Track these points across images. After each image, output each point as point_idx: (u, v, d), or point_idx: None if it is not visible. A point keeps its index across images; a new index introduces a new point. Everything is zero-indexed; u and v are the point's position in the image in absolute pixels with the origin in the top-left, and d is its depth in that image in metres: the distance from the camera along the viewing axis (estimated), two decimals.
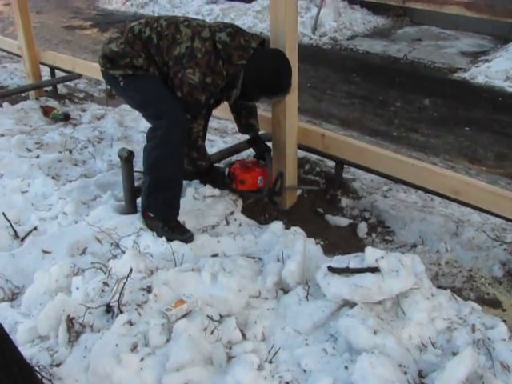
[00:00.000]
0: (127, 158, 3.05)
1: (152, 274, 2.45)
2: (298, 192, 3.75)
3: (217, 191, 3.33)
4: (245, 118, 3.41)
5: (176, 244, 2.86)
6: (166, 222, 2.96)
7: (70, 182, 3.72)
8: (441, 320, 2.34)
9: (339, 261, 2.50)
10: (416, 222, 3.49)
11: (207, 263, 2.56)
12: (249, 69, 2.89)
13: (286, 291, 2.59)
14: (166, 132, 2.82)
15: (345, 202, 3.74)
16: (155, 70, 2.91)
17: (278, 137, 3.44)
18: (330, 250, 3.33)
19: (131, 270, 2.33)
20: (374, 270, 2.36)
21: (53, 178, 3.80)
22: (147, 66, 2.90)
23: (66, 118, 4.98)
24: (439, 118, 5.90)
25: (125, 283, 2.28)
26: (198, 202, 3.25)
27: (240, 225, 3.20)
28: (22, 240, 3.00)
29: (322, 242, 3.39)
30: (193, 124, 2.95)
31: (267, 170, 3.36)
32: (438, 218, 3.49)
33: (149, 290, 2.35)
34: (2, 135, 4.37)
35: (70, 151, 4.26)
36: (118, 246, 2.93)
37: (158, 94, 2.90)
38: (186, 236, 2.92)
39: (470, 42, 8.53)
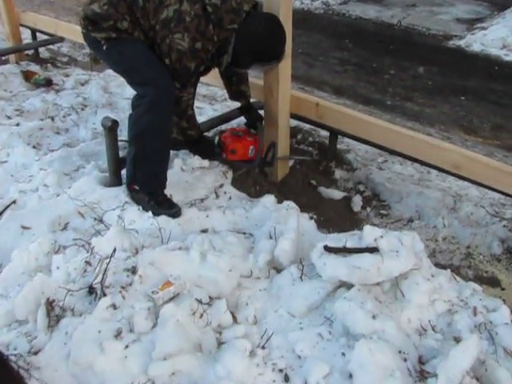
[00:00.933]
0: (111, 128, 2.87)
1: (137, 252, 2.31)
2: (290, 162, 3.61)
3: (206, 162, 3.17)
4: (235, 85, 3.24)
5: (163, 219, 2.72)
6: (152, 195, 2.81)
7: (52, 151, 3.54)
8: (441, 302, 2.23)
9: (335, 239, 2.38)
10: (412, 195, 3.37)
11: (196, 240, 2.42)
12: (240, 34, 2.71)
13: (278, 270, 2.47)
14: (153, 100, 2.65)
15: (339, 173, 3.61)
16: (140, 34, 2.72)
17: (270, 105, 3.28)
18: (323, 224, 3.21)
19: (115, 250, 2.18)
20: (373, 250, 2.24)
21: (34, 147, 3.61)
22: (132, 30, 2.71)
23: (48, 83, 4.75)
24: (434, 86, 5.74)
25: (108, 263, 2.14)
26: (186, 174, 3.09)
27: (230, 198, 3.06)
28: (0, 214, 2.84)
29: (315, 217, 3.26)
30: (182, 93, 2.78)
31: (259, 139, 3.20)
32: (436, 193, 3.36)
33: (134, 270, 2.21)
34: None
35: (52, 119, 4.07)
36: (101, 220, 2.79)
37: (144, 59, 2.72)
38: (173, 211, 2.78)
39: (466, 9, 8.31)
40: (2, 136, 3.61)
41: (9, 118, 3.97)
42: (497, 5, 8.24)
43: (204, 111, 4.31)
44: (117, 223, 2.53)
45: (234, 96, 3.32)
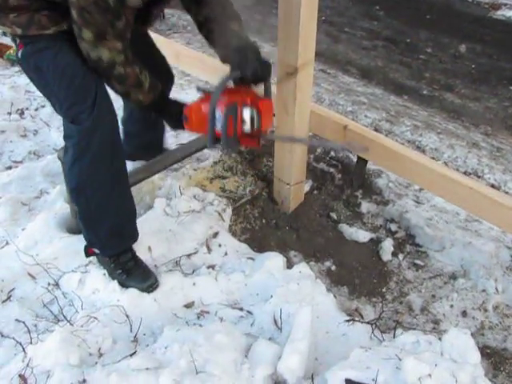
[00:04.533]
0: None
1: (84, 382, 1.64)
2: (307, 187, 2.91)
3: (196, 205, 2.47)
4: (218, 23, 2.06)
5: (134, 294, 2.07)
6: (117, 260, 2.13)
7: (12, 165, 2.87)
8: None
9: (361, 364, 1.70)
10: (458, 245, 2.67)
11: (171, 350, 1.76)
12: None
13: None
14: (83, 138, 1.89)
15: (366, 206, 2.90)
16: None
17: (283, 125, 2.57)
18: (342, 278, 2.58)
19: None
20: None
21: None
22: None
23: None
24: (478, 71, 4.92)
25: None
26: (170, 220, 2.41)
27: (226, 253, 2.38)
28: None
29: (333, 267, 2.60)
30: (101, 49, 1.80)
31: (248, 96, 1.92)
32: (488, 244, 2.66)
33: None
34: None
35: (22, 113, 3.38)
36: (57, 285, 2.16)
37: (67, 76, 1.87)
38: (145, 284, 2.11)
39: None
40: None
41: None
42: None
43: None
44: (63, 328, 1.83)
45: (216, 42, 2.08)
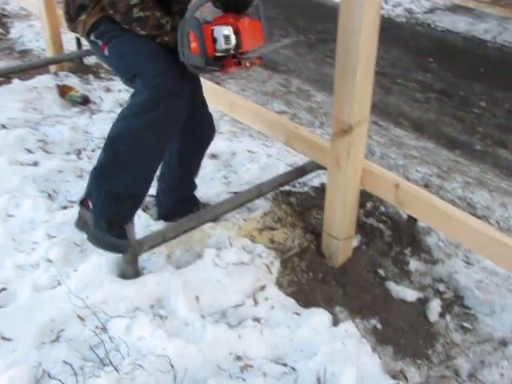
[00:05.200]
0: None
1: None
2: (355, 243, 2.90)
3: (245, 257, 2.49)
4: None
5: (179, 344, 2.07)
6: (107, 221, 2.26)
7: (67, 205, 2.96)
8: None
9: None
10: (509, 310, 2.60)
11: None
12: None
13: None
14: (156, 97, 2.04)
15: (414, 265, 2.85)
16: None
17: (334, 179, 2.59)
18: (388, 337, 2.52)
19: None
20: None
21: (49, 195, 3.05)
22: None
23: (84, 101, 4.18)
24: None
25: None
26: (218, 271, 2.42)
27: (272, 307, 2.38)
28: None
29: (379, 325, 2.56)
30: None
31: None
32: None
33: None
34: (3, 126, 3.63)
35: (79, 153, 3.50)
36: (104, 329, 2.18)
37: (147, 54, 2.11)
38: (118, 243, 2.26)
39: None
40: (14, 180, 3.06)
41: (29, 151, 3.41)
42: None
43: (256, 157, 3.60)
44: (109, 375, 1.87)
45: None
